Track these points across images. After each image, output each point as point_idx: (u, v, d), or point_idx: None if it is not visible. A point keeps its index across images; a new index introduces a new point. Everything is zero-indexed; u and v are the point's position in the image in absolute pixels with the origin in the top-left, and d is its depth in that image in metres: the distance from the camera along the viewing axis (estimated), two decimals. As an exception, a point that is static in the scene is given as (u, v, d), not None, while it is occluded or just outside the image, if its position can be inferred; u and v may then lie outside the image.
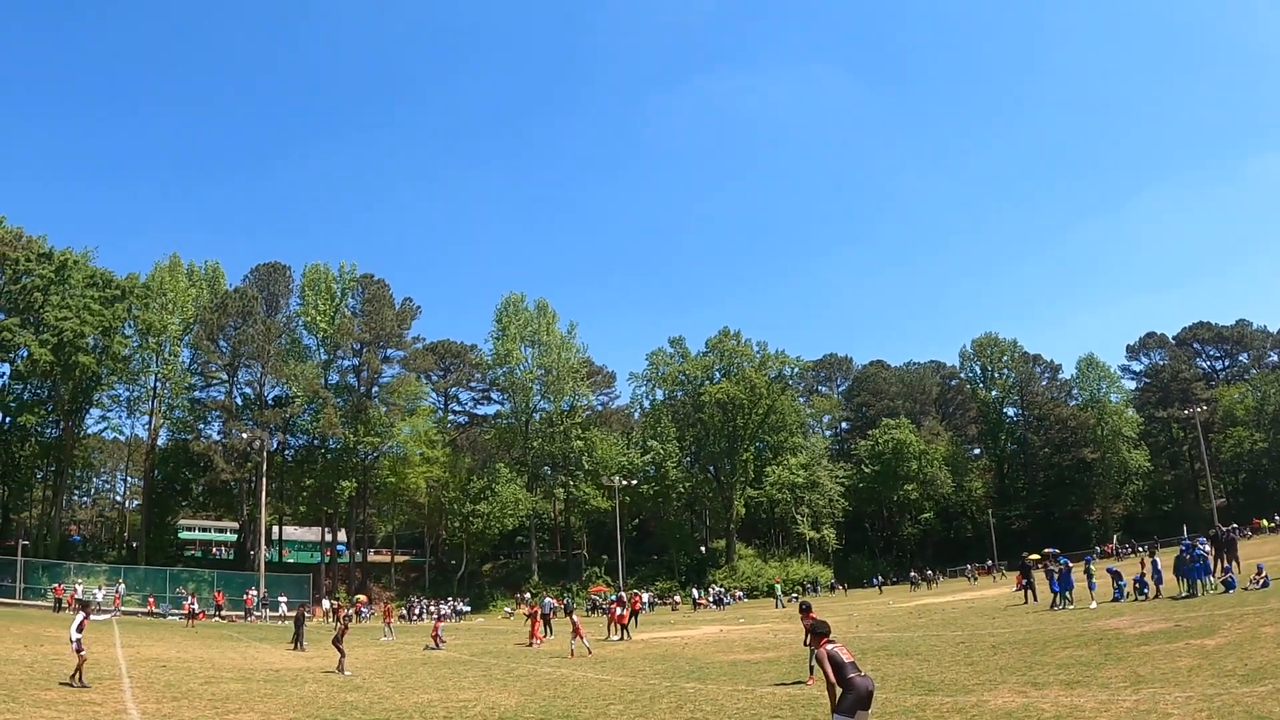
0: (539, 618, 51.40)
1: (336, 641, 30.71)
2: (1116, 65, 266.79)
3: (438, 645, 43.52)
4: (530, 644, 45.64)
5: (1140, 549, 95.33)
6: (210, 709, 20.88)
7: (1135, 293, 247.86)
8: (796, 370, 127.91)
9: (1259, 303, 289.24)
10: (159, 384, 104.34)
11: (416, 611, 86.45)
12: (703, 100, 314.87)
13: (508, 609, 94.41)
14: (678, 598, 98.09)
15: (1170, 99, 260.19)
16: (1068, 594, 39.95)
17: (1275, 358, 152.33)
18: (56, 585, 74.37)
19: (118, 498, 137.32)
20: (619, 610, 44.35)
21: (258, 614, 76.68)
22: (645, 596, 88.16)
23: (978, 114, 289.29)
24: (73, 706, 19.73)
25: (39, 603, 71.29)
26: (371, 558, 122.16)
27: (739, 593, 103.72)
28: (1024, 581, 46.74)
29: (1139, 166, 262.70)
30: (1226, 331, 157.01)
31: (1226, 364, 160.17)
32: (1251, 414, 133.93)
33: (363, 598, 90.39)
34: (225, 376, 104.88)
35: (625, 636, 42.28)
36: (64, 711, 18.91)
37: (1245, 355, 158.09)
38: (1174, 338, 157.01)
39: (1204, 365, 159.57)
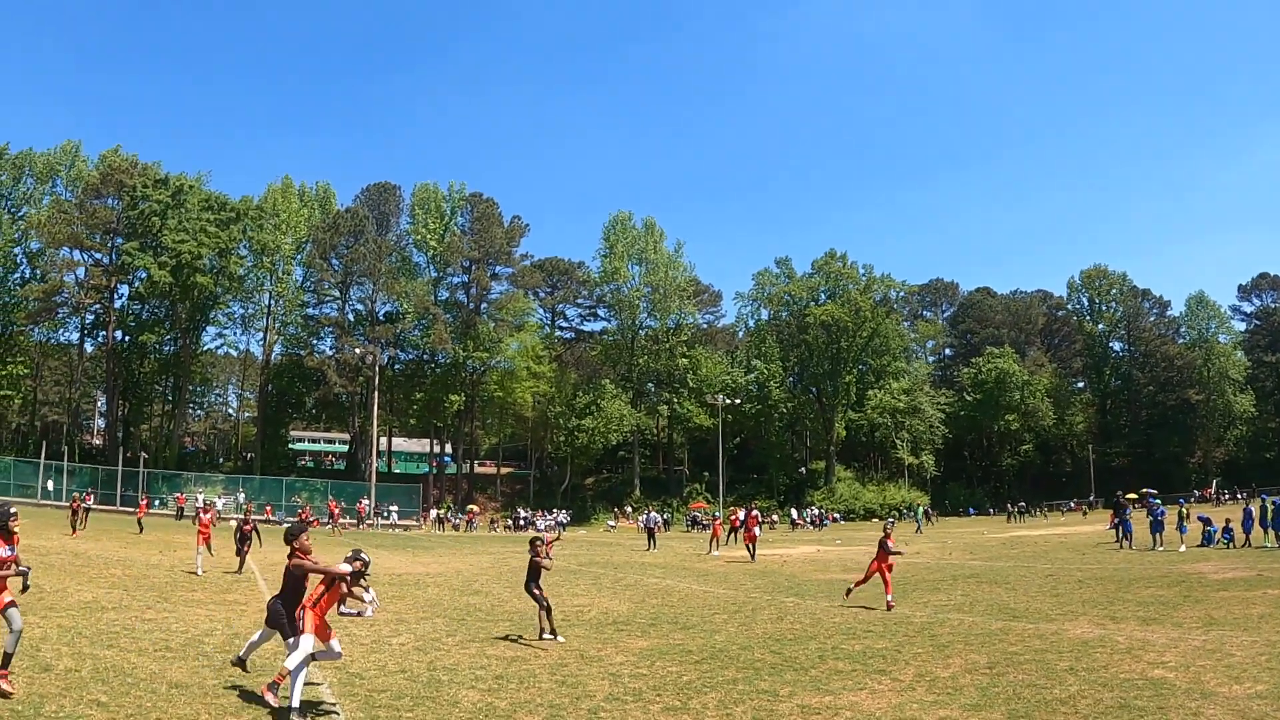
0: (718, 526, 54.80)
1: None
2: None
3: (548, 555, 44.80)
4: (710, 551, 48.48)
5: (1240, 496, 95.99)
6: None
7: (1251, 231, 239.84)
8: (901, 294, 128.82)
9: None
10: (273, 302, 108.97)
11: (522, 522, 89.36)
12: (814, 19, 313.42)
13: (610, 522, 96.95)
14: (776, 517, 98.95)
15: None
16: (1158, 535, 41.74)
17: None
18: (178, 494, 78.68)
19: (231, 411, 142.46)
20: (752, 528, 43.75)
21: (369, 522, 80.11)
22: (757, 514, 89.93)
23: (1105, 43, 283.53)
24: (221, 606, 21.70)
25: (162, 511, 75.56)
26: (477, 469, 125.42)
27: (836, 514, 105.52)
28: (1116, 520, 46.75)
29: (1266, 100, 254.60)
30: None
31: None
32: None
33: (474, 508, 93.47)
34: (337, 294, 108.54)
35: (752, 556, 41.47)
36: (214, 610, 20.74)
37: None
38: None
39: None
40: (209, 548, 31.27)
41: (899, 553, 24.38)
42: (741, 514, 50.51)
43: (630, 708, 12.07)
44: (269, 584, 26.77)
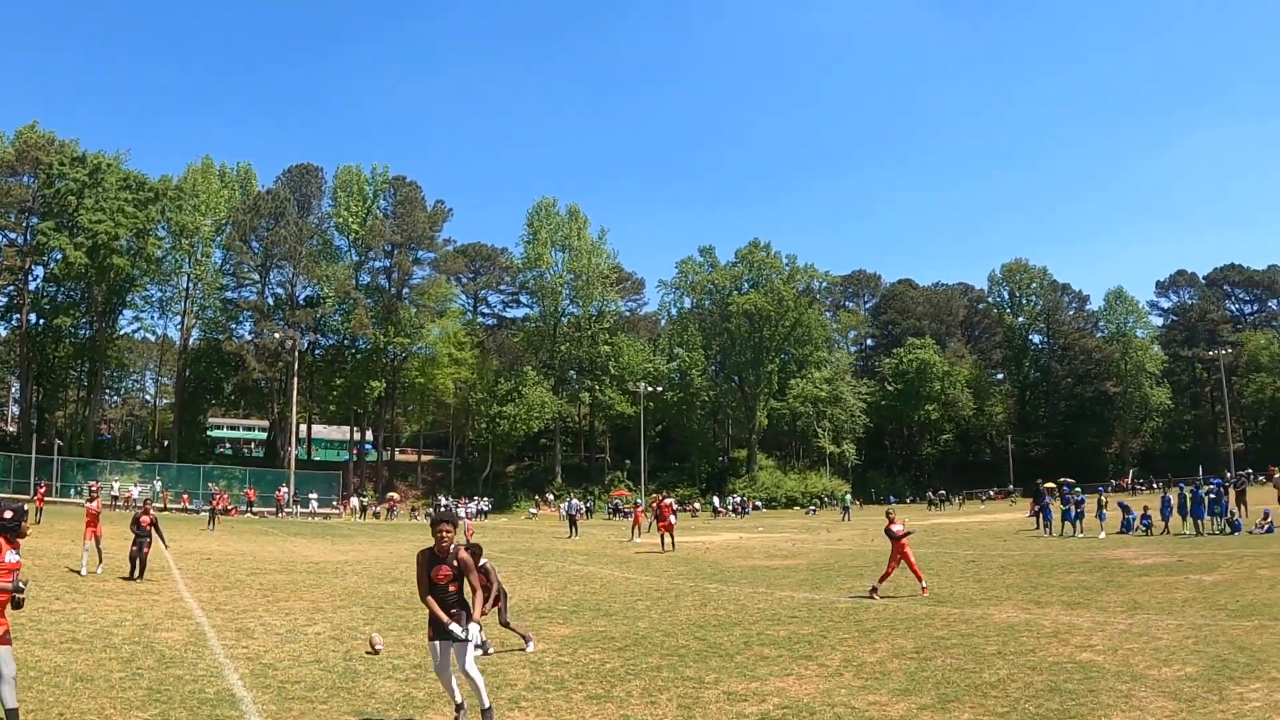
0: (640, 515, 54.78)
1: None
2: (1181, 8, 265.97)
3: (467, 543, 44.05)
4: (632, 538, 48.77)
5: (1156, 485, 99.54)
6: (261, 598, 22.36)
7: (1169, 230, 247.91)
8: (824, 285, 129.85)
9: None
10: (192, 285, 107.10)
11: (443, 510, 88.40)
12: (741, 11, 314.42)
13: (532, 509, 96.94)
14: (698, 505, 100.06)
15: (1229, 48, 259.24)
16: (1078, 523, 42.56)
17: None
18: (92, 482, 77.67)
19: (149, 397, 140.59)
20: (667, 517, 42.33)
21: (288, 510, 79.67)
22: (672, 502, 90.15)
23: (1030, 38, 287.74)
24: (132, 596, 21.41)
25: (76, 500, 73.26)
26: (398, 457, 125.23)
27: (758, 502, 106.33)
28: (1037, 508, 48.15)
29: (1187, 100, 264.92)
30: (1258, 276, 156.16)
31: (1255, 308, 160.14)
32: (1277, 360, 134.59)
33: (395, 496, 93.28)
34: (257, 277, 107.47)
35: (669, 546, 40.11)
36: (124, 600, 20.48)
37: (1275, 302, 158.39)
38: (1204, 278, 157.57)
39: (1232, 308, 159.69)
40: (98, 543, 26.57)
41: (910, 532, 23.80)
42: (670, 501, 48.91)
43: (552, 697, 12.02)
44: (184, 574, 27.00)
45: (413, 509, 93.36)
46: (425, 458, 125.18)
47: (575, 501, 68.37)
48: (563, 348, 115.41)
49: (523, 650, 15.43)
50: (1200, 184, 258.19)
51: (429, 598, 10.22)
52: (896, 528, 22.77)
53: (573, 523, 56.55)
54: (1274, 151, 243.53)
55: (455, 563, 10.32)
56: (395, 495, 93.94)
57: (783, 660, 14.09)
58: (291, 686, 12.29)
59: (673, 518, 43.11)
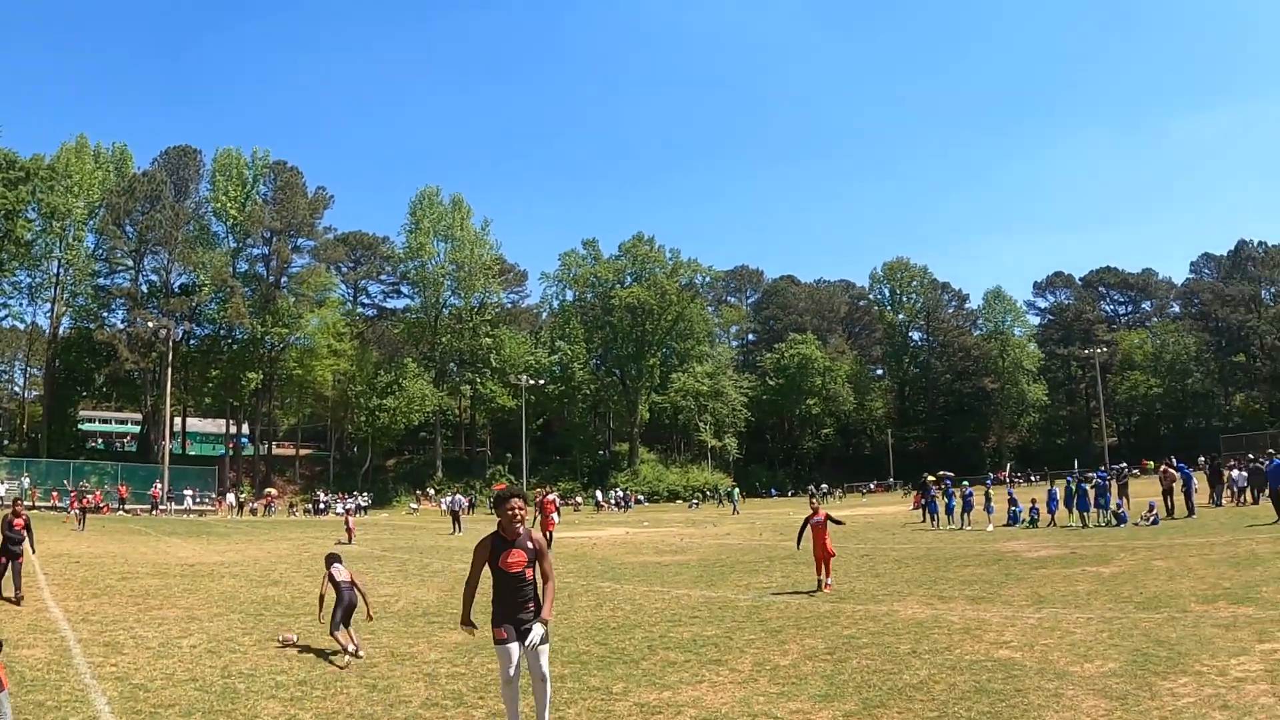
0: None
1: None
2: (1064, 17, 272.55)
3: (349, 540, 42.46)
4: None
5: (1033, 479, 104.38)
6: (132, 604, 20.98)
7: (1047, 232, 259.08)
8: (707, 279, 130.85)
9: (1165, 256, 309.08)
10: (62, 270, 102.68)
11: (322, 505, 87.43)
12: (633, 6, 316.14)
13: (413, 504, 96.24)
14: (580, 499, 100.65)
15: (1108, 55, 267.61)
16: (966, 515, 43.24)
17: (1176, 309, 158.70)
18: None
19: (16, 389, 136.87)
20: (550, 514, 40.01)
21: (163, 507, 76.92)
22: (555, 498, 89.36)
23: (915, 44, 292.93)
24: None
25: None
26: (275, 451, 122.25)
27: (640, 496, 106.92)
28: (922, 500, 48.97)
29: (1067, 113, 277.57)
30: (1132, 279, 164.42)
31: (1129, 309, 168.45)
32: (1149, 360, 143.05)
33: (272, 491, 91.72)
34: (131, 263, 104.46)
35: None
36: None
37: (1148, 303, 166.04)
38: (1081, 279, 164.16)
39: (1107, 309, 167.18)
40: None
41: (840, 522, 23.73)
42: (554, 497, 47.09)
43: (452, 714, 11.15)
44: (50, 579, 25.46)
45: (291, 505, 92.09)
46: (304, 452, 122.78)
47: (458, 496, 67.29)
48: (444, 339, 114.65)
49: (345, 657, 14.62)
50: (1078, 189, 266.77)
51: (499, 590, 9.04)
52: (819, 518, 22.44)
53: (456, 519, 55.29)
54: (1146, 158, 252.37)
55: (530, 544, 9.08)
56: (273, 491, 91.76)
57: (691, 666, 13.54)
58: (164, 712, 11.21)
59: (555, 515, 41.71)
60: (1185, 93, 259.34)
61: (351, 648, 14.71)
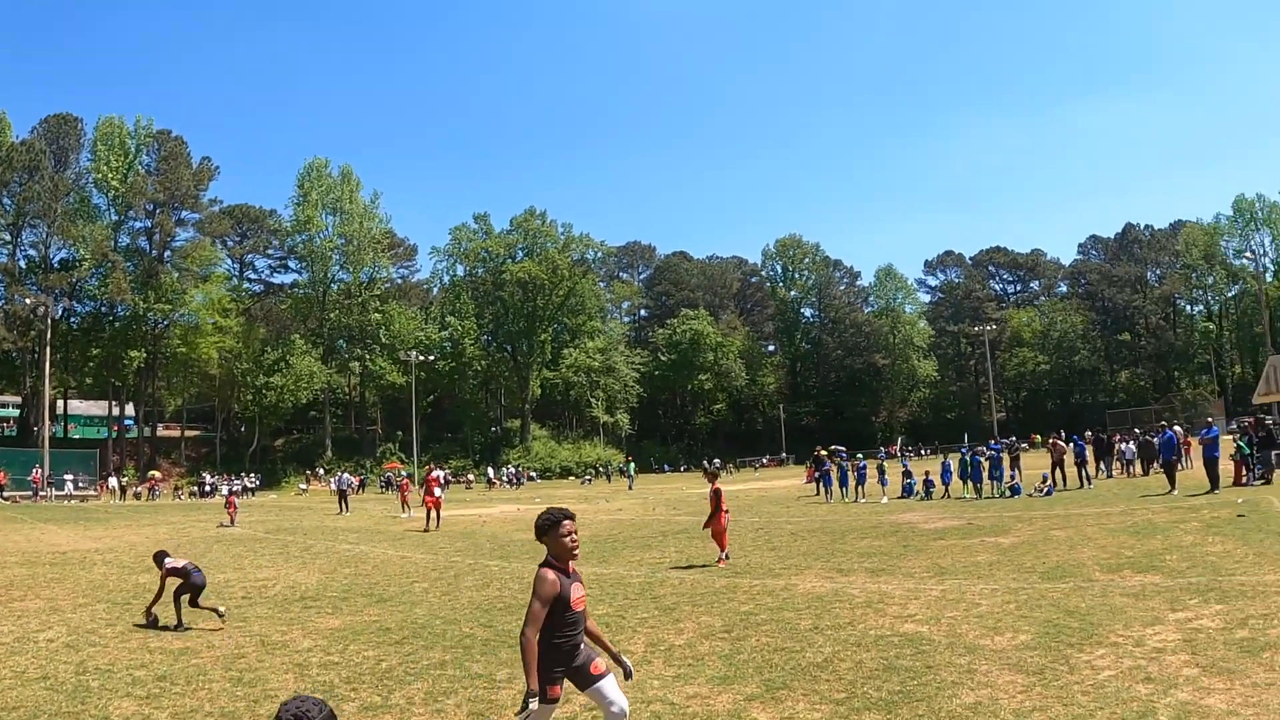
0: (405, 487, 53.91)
1: None
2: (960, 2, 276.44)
3: (231, 522, 41.86)
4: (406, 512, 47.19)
5: (923, 452, 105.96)
6: None
7: (938, 213, 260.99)
8: (599, 255, 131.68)
9: (1054, 238, 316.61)
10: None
11: (208, 488, 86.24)
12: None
13: (302, 485, 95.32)
14: (472, 476, 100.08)
15: (1004, 42, 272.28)
16: (860, 488, 43.72)
17: (1064, 289, 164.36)
18: None
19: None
20: (433, 489, 39.41)
21: (43, 493, 74.64)
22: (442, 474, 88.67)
23: (805, 24, 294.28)
24: None
25: None
26: (161, 432, 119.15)
27: (532, 473, 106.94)
28: (816, 474, 48.78)
29: (961, 92, 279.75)
30: (1021, 259, 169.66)
31: (1018, 288, 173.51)
32: (1037, 337, 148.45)
33: (156, 474, 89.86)
34: (8, 237, 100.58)
35: (434, 525, 37.29)
36: None
37: (1037, 283, 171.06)
38: (971, 258, 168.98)
39: (997, 288, 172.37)
40: None
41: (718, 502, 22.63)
42: (439, 473, 46.12)
43: None
44: None
45: (176, 488, 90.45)
46: (190, 433, 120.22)
47: (345, 476, 65.94)
48: (332, 315, 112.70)
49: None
50: (970, 172, 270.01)
51: (558, 637, 7.16)
52: (716, 488, 22.49)
53: (343, 498, 54.51)
54: (1038, 144, 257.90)
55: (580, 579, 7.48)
56: (157, 474, 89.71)
57: None
58: (7, 715, 10.46)
59: (439, 491, 40.63)
60: (1078, 82, 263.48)
61: (222, 609, 15.13)
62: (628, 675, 7.66)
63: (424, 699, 10.57)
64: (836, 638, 12.66)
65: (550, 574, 7.11)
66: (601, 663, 7.42)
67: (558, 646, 7.12)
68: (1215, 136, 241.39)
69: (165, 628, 15.26)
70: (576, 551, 7.38)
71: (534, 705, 6.67)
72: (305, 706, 4.33)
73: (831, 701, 9.70)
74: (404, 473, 74.10)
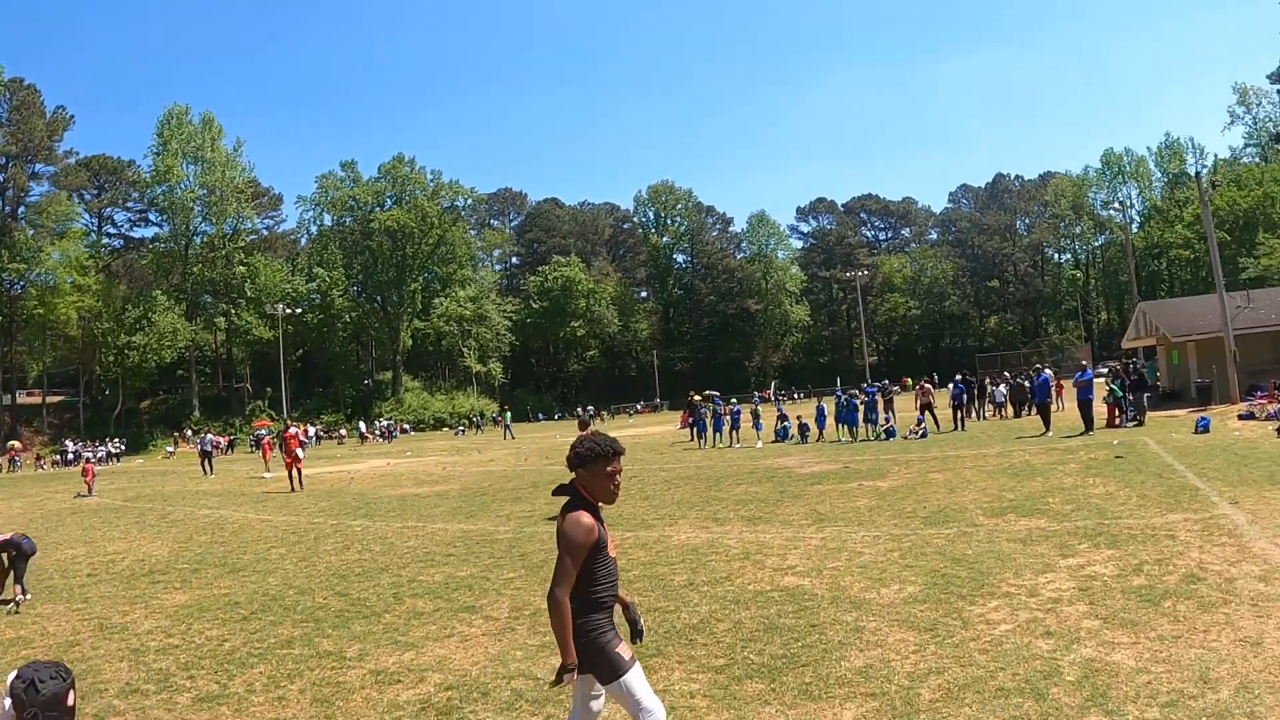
0: (267, 446, 52.33)
1: None
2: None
3: (89, 492, 40.18)
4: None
5: (796, 396, 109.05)
6: None
7: (811, 160, 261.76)
8: (469, 202, 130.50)
9: (926, 187, 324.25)
10: None
11: (70, 456, 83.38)
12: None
13: (169, 447, 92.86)
14: (344, 431, 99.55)
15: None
16: (734, 433, 43.94)
17: (934, 236, 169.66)
18: None
19: None
20: (294, 449, 37.09)
21: None
22: (309, 431, 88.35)
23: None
24: None
25: None
26: (23, 399, 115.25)
27: (406, 425, 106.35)
28: (690, 420, 49.42)
29: (833, 41, 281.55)
30: (893, 206, 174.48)
31: (890, 235, 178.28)
32: (908, 283, 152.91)
33: (16, 444, 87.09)
34: None
35: (298, 484, 35.82)
36: None
37: (908, 230, 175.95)
38: (843, 205, 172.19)
39: (869, 234, 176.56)
40: None
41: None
42: (296, 430, 43.55)
43: (152, 702, 9.44)
44: None
45: (38, 458, 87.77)
46: (52, 399, 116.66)
47: (210, 436, 64.46)
48: (195, 269, 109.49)
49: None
50: (844, 121, 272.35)
51: (598, 590, 5.99)
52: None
53: (206, 459, 53.35)
54: (910, 96, 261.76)
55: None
56: (16, 444, 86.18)
57: (441, 616, 12.30)
58: None
59: (300, 451, 38.22)
60: (950, 32, 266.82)
61: (21, 597, 14.72)
62: (639, 636, 6.46)
63: (265, 684, 9.85)
64: (713, 594, 12.27)
65: (587, 517, 6.03)
66: (627, 649, 6.01)
67: (599, 602, 5.99)
68: (1086, 91, 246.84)
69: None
70: (616, 493, 6.34)
71: (569, 679, 5.68)
72: (40, 674, 4.36)
73: (710, 669, 9.14)
74: (263, 431, 72.62)
